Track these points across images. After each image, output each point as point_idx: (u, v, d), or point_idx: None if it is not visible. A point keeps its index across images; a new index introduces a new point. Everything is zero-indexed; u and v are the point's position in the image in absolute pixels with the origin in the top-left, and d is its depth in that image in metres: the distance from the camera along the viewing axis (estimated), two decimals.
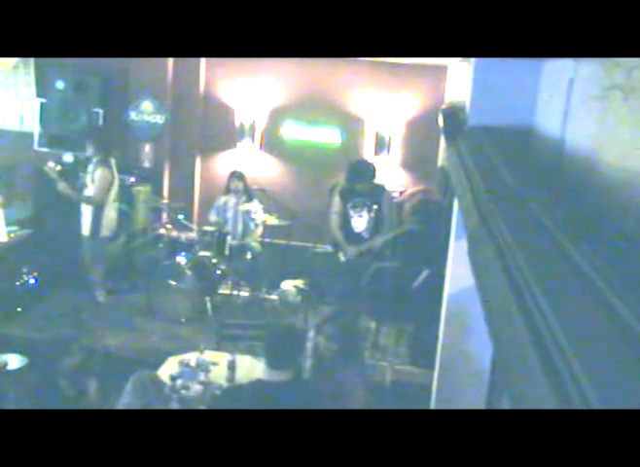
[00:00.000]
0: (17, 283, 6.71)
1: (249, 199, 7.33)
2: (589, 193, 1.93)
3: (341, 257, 6.34)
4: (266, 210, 7.39)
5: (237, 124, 8.24)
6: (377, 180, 6.47)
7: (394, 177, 8.03)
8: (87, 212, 6.66)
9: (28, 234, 7.16)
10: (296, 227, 7.49)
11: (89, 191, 6.60)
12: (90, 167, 6.64)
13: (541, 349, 0.95)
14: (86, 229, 6.69)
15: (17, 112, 8.39)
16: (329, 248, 6.64)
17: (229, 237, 6.99)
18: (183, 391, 4.34)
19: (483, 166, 2.29)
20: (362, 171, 6.30)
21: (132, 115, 8.04)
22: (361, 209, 6.37)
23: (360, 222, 6.40)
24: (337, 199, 6.45)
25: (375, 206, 6.36)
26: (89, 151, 6.67)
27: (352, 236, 6.38)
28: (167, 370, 4.67)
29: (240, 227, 7.29)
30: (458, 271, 3.69)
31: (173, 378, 4.43)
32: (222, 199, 7.37)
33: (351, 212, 6.38)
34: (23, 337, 5.94)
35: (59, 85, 7.86)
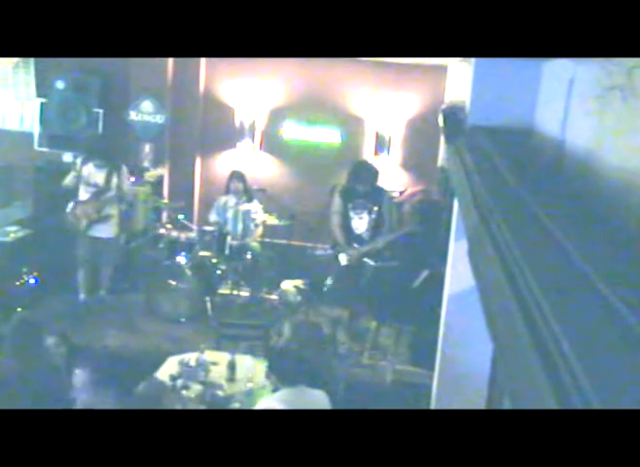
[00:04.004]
0: (17, 283, 6.71)
1: (249, 200, 7.33)
2: (589, 192, 1.93)
3: (342, 260, 6.33)
4: (267, 210, 7.38)
5: (237, 124, 8.24)
6: (379, 182, 6.48)
7: (394, 177, 8.03)
8: (115, 214, 6.86)
9: (28, 234, 7.16)
10: (296, 227, 7.48)
11: (121, 190, 6.82)
12: (104, 171, 6.73)
13: (541, 349, 0.95)
14: (109, 231, 6.79)
15: (17, 112, 8.39)
16: (329, 250, 6.63)
17: (229, 237, 6.99)
18: (183, 391, 4.34)
19: (483, 166, 2.29)
20: (365, 173, 6.30)
21: (132, 115, 8.03)
22: (362, 211, 6.37)
23: (360, 223, 6.40)
24: (337, 200, 6.45)
25: (376, 208, 6.36)
26: (97, 160, 6.76)
27: (352, 238, 6.38)
28: (167, 370, 4.68)
29: (240, 227, 7.29)
30: (458, 271, 3.69)
31: (173, 378, 4.43)
32: (222, 200, 7.37)
33: (351, 213, 6.38)
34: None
35: (59, 85, 7.85)
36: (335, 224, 6.40)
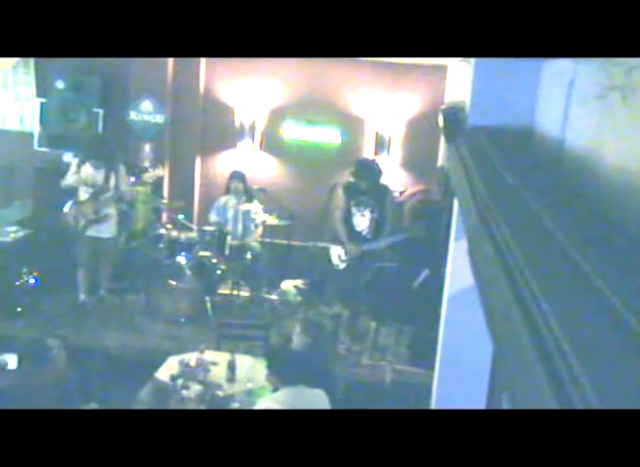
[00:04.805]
0: (17, 283, 6.71)
1: (249, 200, 7.33)
2: (589, 192, 1.93)
3: (342, 256, 6.34)
4: (266, 210, 7.39)
5: (237, 124, 8.24)
6: (382, 180, 6.49)
7: (394, 177, 8.03)
8: (114, 213, 6.84)
9: (28, 234, 7.16)
10: (296, 227, 7.49)
11: (120, 187, 6.81)
12: (101, 171, 6.73)
13: (541, 349, 0.95)
14: (108, 231, 6.79)
15: (17, 112, 8.39)
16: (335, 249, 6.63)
17: (229, 237, 6.99)
18: (183, 391, 4.35)
19: (483, 166, 2.29)
20: (369, 170, 6.32)
21: (132, 115, 8.03)
22: (364, 208, 6.37)
23: (362, 221, 6.40)
24: (340, 195, 6.46)
25: (378, 207, 6.37)
26: (93, 158, 6.75)
27: (353, 234, 6.39)
28: (167, 370, 4.68)
29: (240, 227, 7.29)
30: (458, 271, 3.69)
31: (173, 378, 4.43)
32: (222, 200, 7.37)
33: (354, 210, 6.39)
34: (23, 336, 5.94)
35: (59, 85, 7.85)
36: (337, 219, 6.41)
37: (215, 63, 8.20)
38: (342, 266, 6.37)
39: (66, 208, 6.74)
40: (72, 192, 6.81)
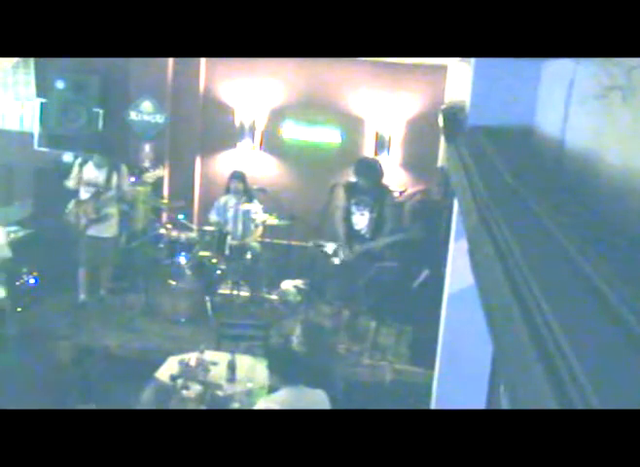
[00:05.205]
0: (17, 283, 6.70)
1: (249, 200, 7.33)
2: (589, 193, 1.93)
3: (341, 254, 6.34)
4: (267, 210, 7.39)
5: (237, 124, 8.24)
6: (384, 180, 6.50)
7: (394, 177, 8.03)
8: (115, 213, 6.86)
9: (28, 234, 7.16)
10: (296, 227, 7.49)
11: (121, 187, 6.84)
12: (104, 169, 6.74)
13: (541, 349, 0.95)
14: (109, 231, 6.79)
15: (17, 112, 8.39)
16: (331, 246, 6.63)
17: (229, 237, 6.99)
18: (183, 391, 4.35)
19: (483, 166, 2.29)
20: (370, 169, 6.33)
21: (132, 115, 8.04)
22: (364, 207, 6.38)
23: (361, 220, 6.41)
24: (341, 194, 6.47)
25: (378, 206, 6.37)
26: (97, 159, 6.78)
27: (352, 234, 6.39)
28: (167, 370, 4.68)
29: (240, 227, 7.29)
30: (458, 271, 3.69)
31: (173, 378, 4.43)
32: (222, 200, 7.37)
33: (353, 208, 6.40)
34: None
35: (59, 85, 7.86)
36: (337, 219, 6.42)
37: (215, 63, 8.20)
38: (337, 262, 6.39)
39: (68, 208, 6.75)
40: (73, 191, 6.83)
